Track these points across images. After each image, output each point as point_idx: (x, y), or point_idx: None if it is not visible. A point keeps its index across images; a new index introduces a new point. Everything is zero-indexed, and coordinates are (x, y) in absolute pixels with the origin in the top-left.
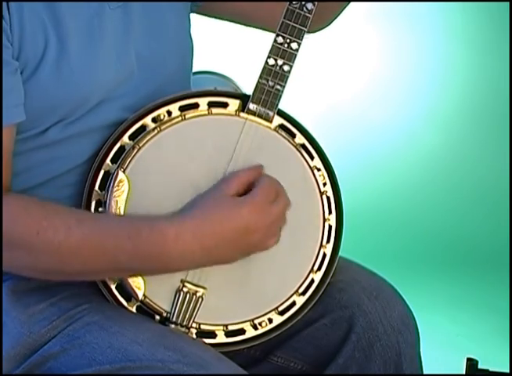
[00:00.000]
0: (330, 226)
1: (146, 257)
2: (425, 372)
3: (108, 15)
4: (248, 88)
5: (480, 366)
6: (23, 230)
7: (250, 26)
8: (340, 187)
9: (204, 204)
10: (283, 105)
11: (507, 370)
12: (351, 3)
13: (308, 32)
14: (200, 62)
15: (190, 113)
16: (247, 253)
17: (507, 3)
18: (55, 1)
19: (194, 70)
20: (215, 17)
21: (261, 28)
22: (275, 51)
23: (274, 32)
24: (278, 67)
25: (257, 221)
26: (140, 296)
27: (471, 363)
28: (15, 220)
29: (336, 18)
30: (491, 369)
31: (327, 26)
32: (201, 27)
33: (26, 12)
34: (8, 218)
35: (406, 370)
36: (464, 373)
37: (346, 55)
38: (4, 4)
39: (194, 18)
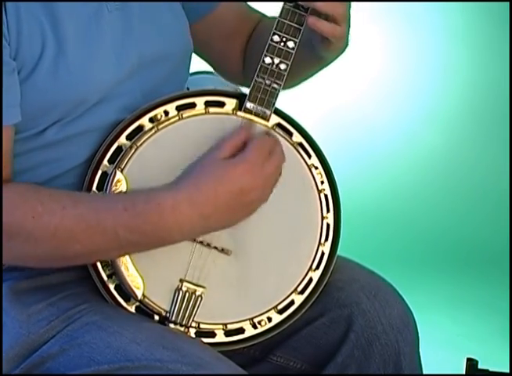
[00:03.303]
0: (328, 225)
1: (145, 230)
2: (425, 372)
3: (106, 16)
4: (247, 88)
5: (480, 366)
6: (19, 217)
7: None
8: (342, 188)
9: (197, 171)
10: (284, 107)
11: (507, 370)
12: (353, 3)
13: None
14: (200, 62)
15: (187, 113)
16: (246, 213)
17: (507, 3)
18: (53, 2)
19: (193, 70)
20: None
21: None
22: (272, 49)
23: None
24: (274, 66)
25: (250, 181)
26: (139, 296)
27: (471, 363)
28: (11, 208)
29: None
30: (491, 369)
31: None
32: None
33: (23, 13)
34: (5, 207)
35: (405, 369)
36: (464, 373)
37: (347, 56)
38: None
39: None
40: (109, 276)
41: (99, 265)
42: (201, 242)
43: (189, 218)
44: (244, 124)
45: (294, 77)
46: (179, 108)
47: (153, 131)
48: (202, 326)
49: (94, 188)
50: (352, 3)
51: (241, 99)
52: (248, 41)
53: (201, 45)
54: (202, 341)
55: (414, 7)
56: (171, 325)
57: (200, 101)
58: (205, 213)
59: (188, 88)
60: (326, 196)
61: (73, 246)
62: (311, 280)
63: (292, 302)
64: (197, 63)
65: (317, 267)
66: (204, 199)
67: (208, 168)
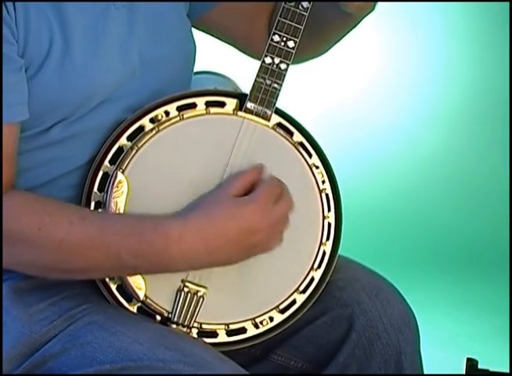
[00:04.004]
0: (330, 224)
1: (149, 256)
2: (425, 372)
3: (113, 15)
4: (248, 89)
5: (480, 366)
6: (25, 226)
7: (240, 49)
8: (342, 187)
9: (207, 204)
10: (284, 105)
11: (507, 370)
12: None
13: (295, 62)
14: (200, 62)
15: (188, 113)
16: (250, 254)
17: (507, 3)
18: (61, 1)
19: (194, 70)
20: (210, 34)
21: (249, 54)
22: (272, 49)
23: (257, 59)
24: (275, 66)
25: (259, 221)
26: (141, 296)
27: (471, 363)
28: (17, 215)
29: (333, 45)
30: (491, 369)
31: (321, 54)
32: None
33: (32, 10)
34: (11, 214)
35: (407, 368)
36: (464, 373)
37: (347, 55)
38: (10, 2)
39: None
40: (111, 278)
41: None
42: None
43: (194, 250)
44: (256, 165)
45: (327, 40)
46: (180, 108)
47: (154, 131)
48: (204, 326)
49: (95, 189)
50: None
51: (242, 99)
52: (271, 18)
53: (225, 30)
54: (204, 342)
55: (414, 7)
56: (173, 326)
57: (200, 101)
58: (211, 246)
59: None
60: (327, 195)
61: (76, 262)
62: (312, 279)
63: (294, 302)
64: (198, 64)
65: (318, 266)
66: (213, 232)
67: (220, 201)
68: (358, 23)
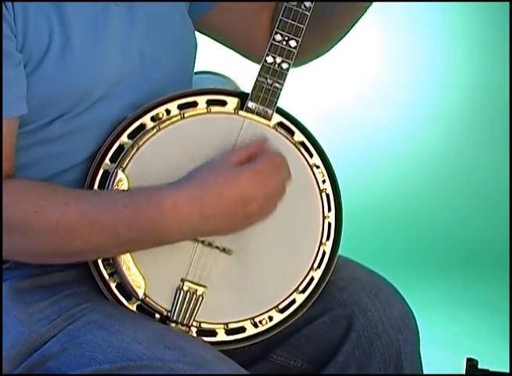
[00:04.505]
0: (330, 224)
1: (144, 226)
2: (425, 372)
3: (113, 12)
4: (248, 89)
5: (480, 366)
6: (21, 212)
7: (238, 51)
8: (342, 188)
9: (203, 172)
10: (284, 105)
11: (507, 370)
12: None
13: (296, 65)
14: (201, 62)
15: (189, 112)
16: (247, 223)
17: (507, 3)
18: (61, 1)
19: (194, 70)
20: (210, 37)
21: (248, 57)
22: (274, 49)
23: (257, 62)
24: (276, 65)
25: (255, 190)
26: (140, 295)
27: (471, 363)
28: (13, 203)
29: (331, 47)
30: (491, 369)
31: (320, 55)
32: None
33: (31, 8)
34: (8, 201)
35: (406, 368)
36: (464, 373)
37: (347, 55)
38: (9, 1)
39: None
40: (110, 275)
41: (100, 264)
42: (203, 242)
43: (189, 218)
44: (259, 139)
45: (327, 39)
46: (181, 107)
47: (155, 130)
48: (203, 325)
49: (95, 187)
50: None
51: (243, 98)
52: (272, 19)
53: (225, 32)
54: (203, 341)
55: (414, 7)
56: (173, 324)
57: (201, 100)
58: (206, 213)
59: None
60: (327, 195)
61: (74, 242)
62: (312, 279)
63: (293, 301)
64: (198, 63)
65: (318, 266)
66: (207, 200)
67: (216, 169)
68: (357, 21)
